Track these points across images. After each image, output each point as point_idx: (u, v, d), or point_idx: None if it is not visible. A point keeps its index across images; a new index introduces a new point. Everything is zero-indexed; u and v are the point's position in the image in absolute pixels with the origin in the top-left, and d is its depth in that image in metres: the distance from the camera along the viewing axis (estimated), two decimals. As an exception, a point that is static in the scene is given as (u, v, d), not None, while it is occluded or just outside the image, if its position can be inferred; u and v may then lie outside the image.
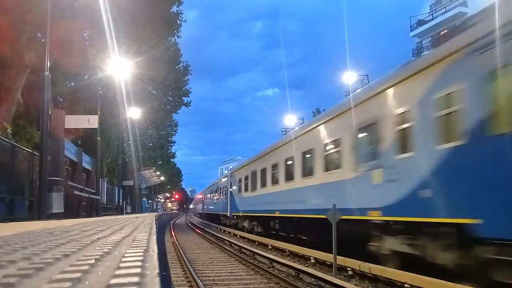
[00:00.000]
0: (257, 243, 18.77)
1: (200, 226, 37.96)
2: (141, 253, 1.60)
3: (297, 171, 15.05)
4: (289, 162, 16.05)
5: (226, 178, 31.84)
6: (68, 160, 19.01)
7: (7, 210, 11.32)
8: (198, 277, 9.67)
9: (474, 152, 6.77)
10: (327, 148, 12.51)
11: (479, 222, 6.46)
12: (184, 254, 14.08)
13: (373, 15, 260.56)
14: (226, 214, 30.12)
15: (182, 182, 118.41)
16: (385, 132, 9.28)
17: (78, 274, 1.11)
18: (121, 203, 32.72)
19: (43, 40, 13.54)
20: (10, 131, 14.22)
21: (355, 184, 10.52)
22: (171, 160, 68.21)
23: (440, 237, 7.48)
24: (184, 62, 37.05)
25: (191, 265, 11.57)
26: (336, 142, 11.93)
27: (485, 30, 6.69)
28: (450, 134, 7.36)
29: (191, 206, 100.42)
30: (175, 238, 21.60)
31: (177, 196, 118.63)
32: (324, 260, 11.51)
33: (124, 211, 32.61)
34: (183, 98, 38.20)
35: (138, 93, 29.70)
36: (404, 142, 8.65)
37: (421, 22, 39.58)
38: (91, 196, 21.17)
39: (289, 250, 14.54)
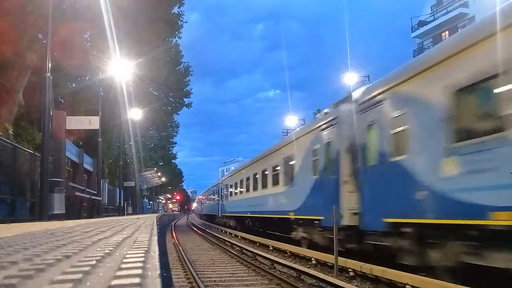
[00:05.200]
0: (258, 244, 18.77)
1: (202, 227, 37.97)
2: (142, 254, 1.61)
3: (259, 183, 20.72)
4: (257, 176, 21.34)
5: (218, 185, 37.22)
6: (69, 161, 19.04)
7: (8, 211, 11.34)
8: (199, 278, 9.67)
9: (321, 181, 12.52)
10: (274, 169, 18.08)
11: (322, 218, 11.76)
12: (185, 255, 14.08)
13: (374, 16, 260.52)
14: (217, 215, 36.27)
15: (183, 183, 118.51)
16: (293, 164, 15.28)
17: (79, 275, 1.11)
18: (122, 204, 32.72)
19: (44, 41, 13.57)
20: (11, 132, 14.23)
21: (285, 195, 16.15)
22: (172, 161, 68.29)
23: (315, 227, 12.62)
24: (185, 63, 37.17)
25: (192, 266, 11.57)
26: (277, 167, 17.61)
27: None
28: (316, 171, 12.96)
29: (194, 205, 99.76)
30: (176, 239, 21.60)
31: (178, 197, 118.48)
32: (325, 261, 11.50)
33: (125, 212, 32.62)
34: (184, 99, 38.33)
35: (139, 94, 29.74)
36: (300, 171, 14.58)
37: (422, 23, 39.59)
38: (92, 197, 21.19)
39: (290, 251, 14.53)
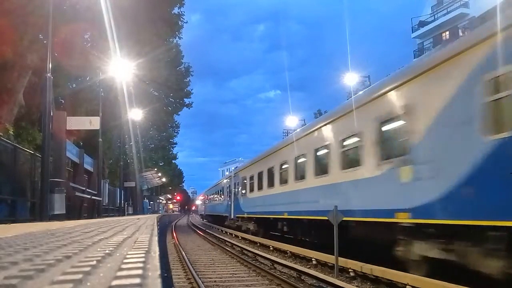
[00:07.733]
0: (258, 244, 18.77)
1: (202, 227, 37.97)
2: (143, 255, 1.60)
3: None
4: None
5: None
6: (69, 162, 19.03)
7: (9, 211, 11.34)
8: (200, 279, 9.67)
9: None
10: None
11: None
12: (186, 256, 14.08)
13: (374, 17, 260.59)
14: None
15: (183, 184, 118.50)
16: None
17: (80, 276, 1.11)
18: (122, 205, 32.72)
19: (45, 41, 13.57)
20: (12, 133, 14.23)
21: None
22: (173, 161, 68.25)
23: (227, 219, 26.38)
24: (185, 63, 37.12)
25: (192, 267, 11.57)
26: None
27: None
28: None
29: (197, 202, 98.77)
30: (176, 239, 21.61)
31: (178, 198, 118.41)
32: (325, 262, 11.50)
33: (126, 213, 32.62)
34: (185, 99, 38.26)
35: (140, 95, 29.71)
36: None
37: (422, 23, 39.54)
38: (93, 197, 21.18)
39: (290, 252, 14.53)
